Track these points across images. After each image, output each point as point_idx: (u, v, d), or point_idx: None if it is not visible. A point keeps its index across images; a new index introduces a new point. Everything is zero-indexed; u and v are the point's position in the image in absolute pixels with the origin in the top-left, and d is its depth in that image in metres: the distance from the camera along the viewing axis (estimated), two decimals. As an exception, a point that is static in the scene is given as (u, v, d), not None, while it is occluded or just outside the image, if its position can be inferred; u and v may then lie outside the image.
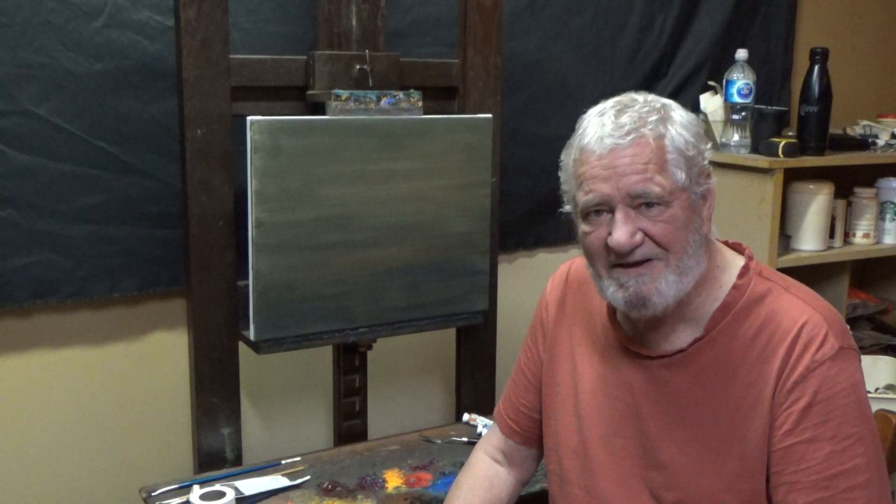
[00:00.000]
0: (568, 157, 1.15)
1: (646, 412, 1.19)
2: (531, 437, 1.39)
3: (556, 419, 1.30)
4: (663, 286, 1.09)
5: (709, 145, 1.14)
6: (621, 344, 1.22)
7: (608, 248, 1.10)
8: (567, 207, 1.17)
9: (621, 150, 1.07)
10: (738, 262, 1.18)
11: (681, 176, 1.08)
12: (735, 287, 1.15)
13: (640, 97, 1.13)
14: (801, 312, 1.11)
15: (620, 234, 1.07)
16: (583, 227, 1.13)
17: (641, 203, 1.08)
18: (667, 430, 1.17)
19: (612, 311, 1.23)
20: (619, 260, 1.10)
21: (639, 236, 1.08)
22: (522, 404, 1.38)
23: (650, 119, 1.09)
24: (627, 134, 1.07)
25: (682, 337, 1.16)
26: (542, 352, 1.35)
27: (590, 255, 1.15)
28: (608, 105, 1.13)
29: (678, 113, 1.12)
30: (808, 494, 1.07)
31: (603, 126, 1.09)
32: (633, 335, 1.21)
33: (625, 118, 1.09)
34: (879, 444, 1.11)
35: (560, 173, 1.16)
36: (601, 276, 1.14)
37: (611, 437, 1.22)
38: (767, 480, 1.11)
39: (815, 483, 1.07)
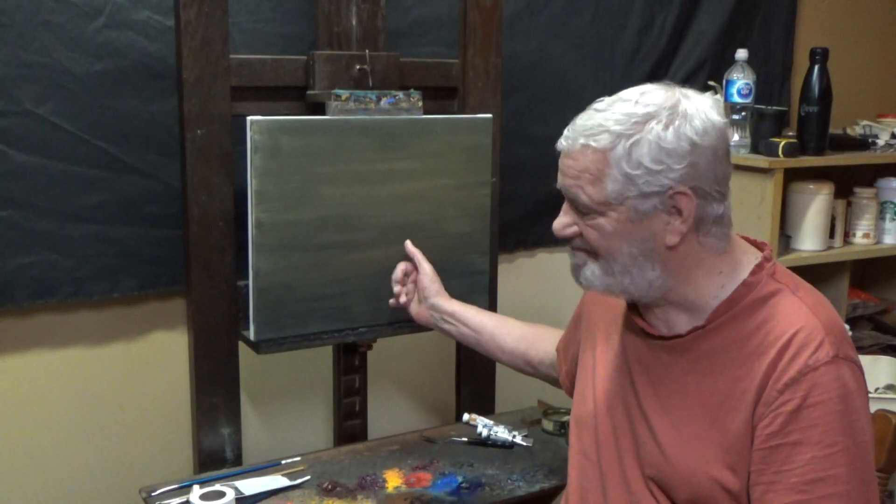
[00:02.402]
0: None
1: (640, 388, 1.23)
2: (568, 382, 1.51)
3: (579, 388, 1.35)
4: (588, 275, 1.19)
5: (682, 165, 1.09)
6: (631, 319, 1.25)
7: None
8: None
9: (568, 154, 1.15)
10: (754, 259, 1.19)
11: (616, 190, 1.11)
12: (744, 284, 1.16)
13: (636, 96, 1.13)
14: (800, 317, 1.11)
15: (556, 222, 1.19)
16: None
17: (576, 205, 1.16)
18: (656, 409, 1.20)
19: None
20: None
21: (571, 230, 1.18)
22: (567, 354, 1.50)
23: (613, 129, 1.10)
24: (577, 139, 1.13)
25: (680, 323, 1.19)
26: (582, 321, 1.42)
27: None
28: (606, 98, 1.15)
29: (662, 130, 1.09)
30: (784, 496, 1.07)
31: (573, 123, 1.15)
32: (640, 312, 1.24)
33: (591, 121, 1.12)
34: (869, 458, 1.09)
35: None
36: None
37: (613, 411, 1.26)
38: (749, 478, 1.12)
39: (793, 486, 1.07)
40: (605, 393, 1.28)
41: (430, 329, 1.74)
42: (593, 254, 1.17)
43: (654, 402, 1.20)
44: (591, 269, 1.18)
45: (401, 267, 1.73)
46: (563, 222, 1.19)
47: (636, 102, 1.12)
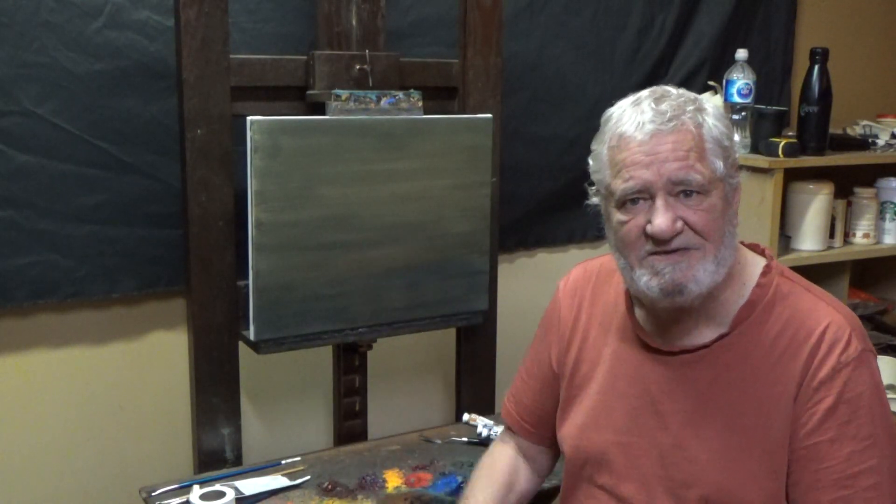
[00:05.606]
0: (601, 146, 1.13)
1: (665, 409, 1.18)
2: (544, 437, 1.38)
3: (572, 419, 1.30)
4: (700, 274, 1.08)
5: (738, 138, 1.16)
6: (639, 341, 1.21)
7: (646, 237, 1.08)
8: (594, 199, 1.17)
9: (663, 136, 1.06)
10: (760, 261, 1.18)
11: (719, 165, 1.09)
12: (759, 285, 1.15)
13: (673, 89, 1.14)
14: (825, 314, 1.12)
15: (661, 220, 1.06)
16: (618, 217, 1.11)
17: (681, 191, 1.06)
18: (688, 427, 1.16)
19: (630, 308, 1.23)
20: (657, 248, 1.08)
21: (679, 224, 1.07)
22: (532, 404, 1.38)
23: (688, 108, 1.09)
24: (669, 120, 1.07)
25: (704, 333, 1.16)
26: (556, 353, 1.34)
27: (623, 245, 1.12)
28: (643, 95, 1.12)
29: (710, 105, 1.13)
30: (828, 493, 1.08)
31: (642, 113, 1.08)
32: (651, 331, 1.20)
33: (664, 105, 1.08)
34: None
35: (590, 164, 1.15)
36: (633, 267, 1.12)
37: (625, 437, 1.22)
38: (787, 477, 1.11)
39: (836, 482, 1.07)
40: (610, 420, 1.23)
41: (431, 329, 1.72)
42: (700, 246, 1.07)
43: (684, 420, 1.16)
44: (704, 267, 1.07)
45: None
46: (670, 217, 1.06)
47: (674, 92, 1.12)
